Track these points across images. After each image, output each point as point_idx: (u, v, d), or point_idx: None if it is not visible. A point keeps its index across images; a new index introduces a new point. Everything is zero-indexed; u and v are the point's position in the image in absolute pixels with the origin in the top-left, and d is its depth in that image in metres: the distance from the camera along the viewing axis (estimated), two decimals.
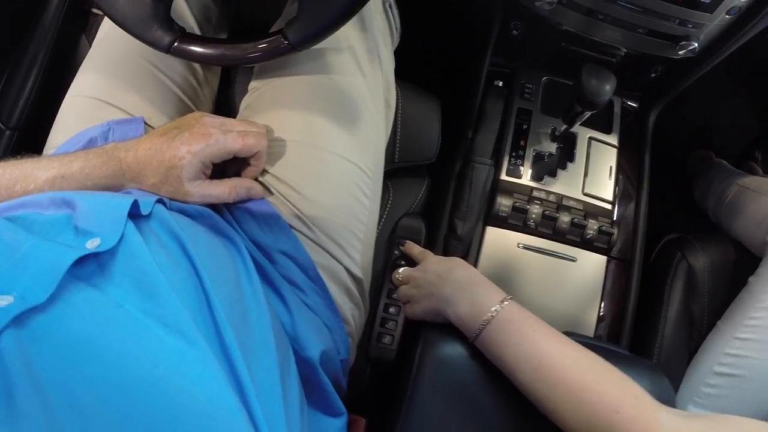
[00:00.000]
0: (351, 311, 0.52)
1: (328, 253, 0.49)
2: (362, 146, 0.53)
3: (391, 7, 0.60)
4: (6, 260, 0.27)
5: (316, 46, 0.48)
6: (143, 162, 0.42)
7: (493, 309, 0.47)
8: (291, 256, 0.47)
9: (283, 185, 0.49)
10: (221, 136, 0.44)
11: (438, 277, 0.53)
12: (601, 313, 0.72)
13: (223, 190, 0.45)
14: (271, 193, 0.49)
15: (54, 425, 0.23)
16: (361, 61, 0.54)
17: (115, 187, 0.43)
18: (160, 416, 0.25)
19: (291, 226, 0.48)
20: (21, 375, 0.23)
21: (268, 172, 0.49)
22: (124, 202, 0.34)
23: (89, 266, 0.29)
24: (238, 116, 0.56)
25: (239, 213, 0.48)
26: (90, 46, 0.58)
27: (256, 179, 0.49)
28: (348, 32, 0.53)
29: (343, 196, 0.50)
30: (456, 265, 0.53)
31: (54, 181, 0.41)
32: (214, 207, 0.46)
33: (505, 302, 0.47)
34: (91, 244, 0.30)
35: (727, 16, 0.60)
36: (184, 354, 0.28)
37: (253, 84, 0.57)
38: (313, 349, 0.45)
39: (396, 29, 0.61)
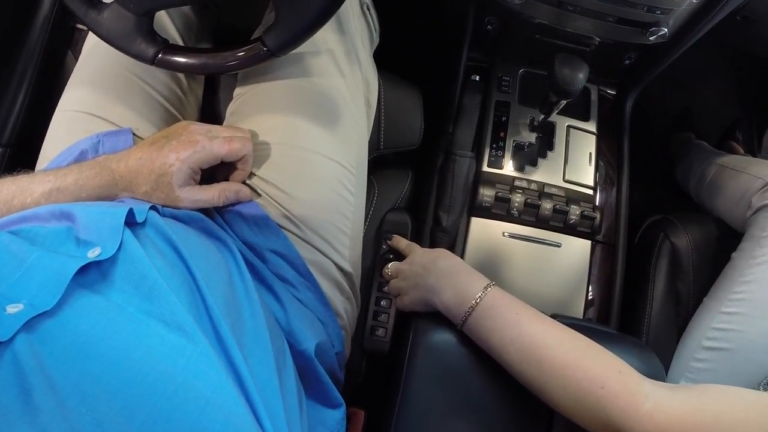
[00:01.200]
0: (343, 305, 0.53)
1: (317, 249, 0.51)
2: (344, 145, 0.54)
3: (369, 8, 0.61)
4: (14, 271, 0.29)
5: (295, 51, 0.49)
6: (134, 171, 0.44)
7: (477, 296, 0.48)
8: (281, 254, 0.49)
9: (269, 186, 0.50)
10: (208, 142, 0.45)
11: (423, 268, 0.54)
12: (589, 297, 0.74)
13: (212, 194, 0.47)
14: (259, 195, 0.51)
15: (68, 418, 0.24)
16: (341, 63, 0.55)
17: (108, 197, 0.44)
18: (165, 407, 0.27)
19: (280, 226, 0.49)
20: (36, 374, 0.25)
21: (255, 175, 0.51)
22: (119, 211, 0.35)
23: (92, 274, 0.31)
24: (225, 122, 0.58)
25: (230, 216, 0.49)
26: (76, 61, 0.59)
27: (244, 182, 0.51)
28: (326, 36, 0.55)
29: (327, 193, 0.52)
30: (440, 255, 0.55)
31: (50, 194, 0.42)
32: (205, 211, 0.48)
33: (489, 288, 0.49)
34: (92, 254, 0.31)
35: (694, 1, 0.62)
36: (184, 349, 0.29)
37: (237, 90, 0.58)
38: (308, 342, 0.46)
39: (375, 30, 0.63)
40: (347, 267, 0.53)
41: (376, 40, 0.64)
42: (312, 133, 0.52)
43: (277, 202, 0.50)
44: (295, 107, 0.53)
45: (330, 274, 0.52)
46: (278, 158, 0.51)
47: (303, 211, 0.50)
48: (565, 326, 0.47)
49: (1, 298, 0.27)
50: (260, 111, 0.54)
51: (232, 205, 0.49)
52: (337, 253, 0.52)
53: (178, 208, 0.45)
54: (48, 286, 0.28)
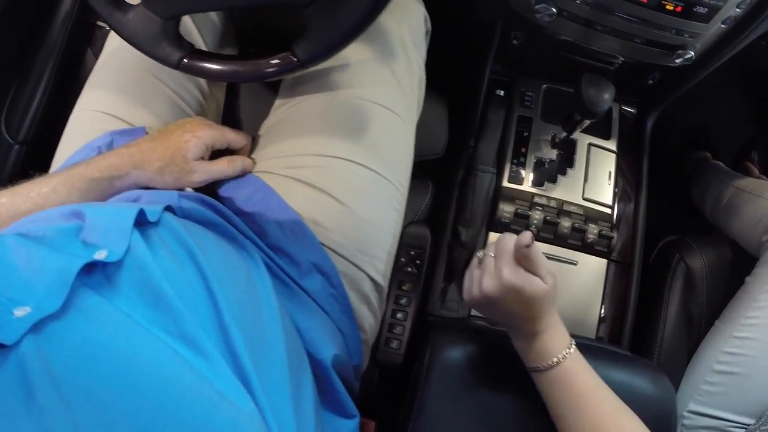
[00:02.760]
0: (368, 319, 0.54)
1: (354, 263, 0.51)
2: (395, 162, 0.55)
3: (428, 34, 0.63)
4: (22, 274, 0.29)
5: (360, 64, 0.52)
6: (147, 150, 0.46)
7: (555, 359, 0.46)
8: (315, 263, 0.49)
9: (323, 195, 0.51)
10: (220, 127, 0.51)
11: (517, 293, 0.44)
12: (602, 315, 0.74)
13: (222, 165, 0.50)
14: (313, 205, 0.51)
15: (73, 419, 0.24)
16: (403, 84, 0.56)
17: (118, 177, 0.45)
18: (171, 408, 0.27)
19: (324, 235, 0.50)
20: (41, 375, 0.25)
21: (309, 185, 0.51)
22: (130, 212, 0.35)
23: (97, 276, 0.31)
24: (267, 131, 0.58)
25: (263, 222, 0.49)
26: (95, 58, 0.59)
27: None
28: (385, 48, 0.55)
29: (377, 211, 0.53)
30: (542, 295, 0.45)
31: (55, 188, 0.43)
32: (228, 218, 0.48)
33: (569, 352, 0.46)
34: (99, 255, 0.31)
35: (722, 26, 0.62)
36: (189, 360, 0.29)
37: (279, 101, 0.58)
38: (326, 352, 0.46)
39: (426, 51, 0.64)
40: (381, 281, 0.54)
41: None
42: (361, 146, 0.52)
43: (328, 210, 0.50)
44: (346, 119, 0.53)
45: (361, 289, 0.52)
46: (330, 170, 0.51)
47: (352, 224, 0.51)
48: (640, 421, 0.46)
49: (9, 302, 0.27)
50: (306, 122, 0.54)
51: (265, 209, 0.49)
52: (373, 268, 0.53)
53: (191, 183, 0.48)
54: (53, 287, 0.28)
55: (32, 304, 0.27)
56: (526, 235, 0.43)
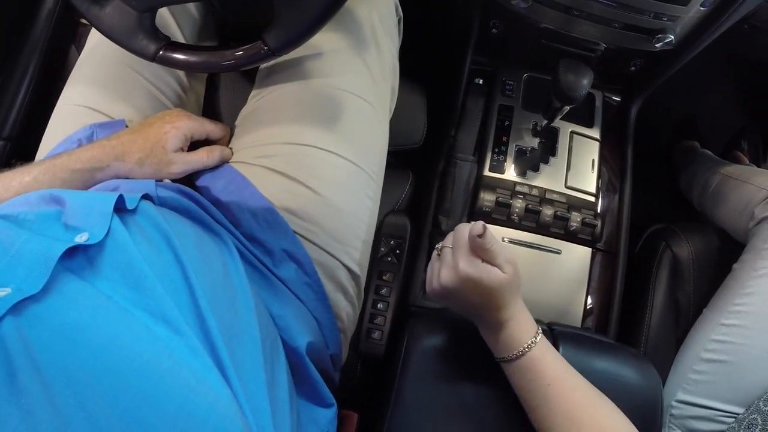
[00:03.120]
0: (345, 308, 0.53)
1: (328, 252, 0.51)
2: (369, 151, 0.55)
3: (400, 21, 0.63)
4: (3, 256, 0.29)
5: (329, 53, 0.52)
6: (128, 143, 0.47)
7: (522, 348, 0.45)
8: (288, 252, 0.49)
9: (296, 184, 0.51)
10: (199, 118, 0.51)
11: (475, 283, 0.43)
12: (588, 305, 0.74)
13: (201, 155, 0.51)
14: (280, 192, 0.50)
15: (52, 401, 0.24)
16: (374, 71, 0.56)
17: (99, 169, 0.46)
18: (150, 392, 0.27)
19: (296, 229, 0.50)
20: (21, 356, 0.25)
21: (279, 172, 0.51)
22: (109, 197, 0.35)
23: (79, 259, 0.31)
24: (241, 121, 0.58)
25: (237, 210, 0.49)
26: (79, 55, 0.59)
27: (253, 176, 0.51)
28: (362, 43, 0.55)
29: (349, 198, 0.52)
30: (504, 282, 0.44)
31: (36, 177, 0.44)
32: (204, 205, 0.48)
33: (535, 340, 0.45)
34: (80, 238, 0.31)
35: (701, 8, 0.61)
36: (169, 340, 0.29)
37: (254, 91, 0.59)
38: (300, 339, 0.46)
39: (400, 40, 0.64)
40: (356, 269, 0.53)
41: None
42: (334, 135, 0.52)
43: (299, 199, 0.50)
44: (319, 108, 0.53)
45: (337, 277, 0.52)
46: (296, 157, 0.51)
47: (325, 212, 0.51)
48: (615, 407, 0.45)
49: None
50: (279, 111, 0.54)
51: (237, 196, 0.50)
52: (348, 256, 0.52)
53: (171, 174, 0.49)
54: (35, 270, 0.28)
55: (13, 285, 0.27)
56: (478, 225, 0.42)
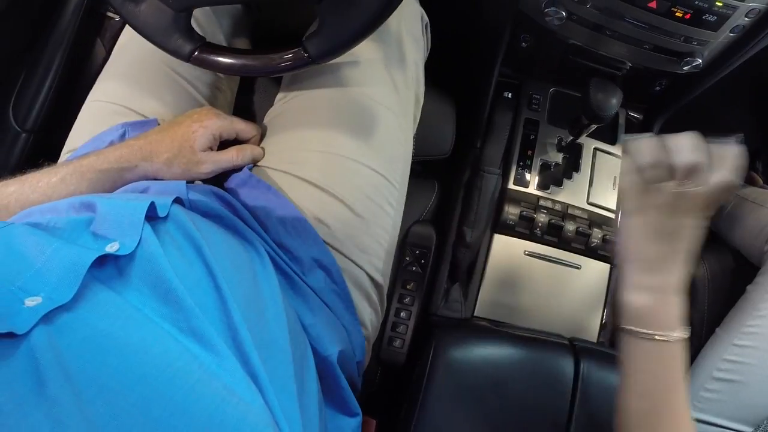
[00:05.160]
0: (369, 316, 0.54)
1: (352, 260, 0.51)
2: (392, 158, 0.55)
3: (427, 27, 0.63)
4: (33, 263, 0.29)
5: (352, 60, 0.51)
6: (156, 142, 0.47)
7: (669, 334, 0.37)
8: (317, 259, 0.49)
9: (324, 193, 0.50)
10: (228, 116, 0.51)
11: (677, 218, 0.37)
12: (604, 320, 0.74)
13: (231, 155, 0.50)
14: (305, 200, 0.50)
15: (83, 410, 0.24)
16: (396, 79, 0.56)
17: (127, 169, 0.45)
18: (181, 401, 0.27)
19: (323, 231, 0.50)
20: (52, 365, 0.25)
21: (300, 178, 0.51)
22: (141, 205, 0.35)
23: (108, 269, 0.31)
24: (267, 123, 0.58)
25: (266, 218, 0.49)
26: (105, 49, 0.59)
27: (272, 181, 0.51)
28: (385, 50, 0.55)
29: (374, 208, 0.52)
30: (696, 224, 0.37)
31: (64, 178, 0.43)
32: (237, 211, 0.48)
33: (684, 333, 0.38)
34: (111, 248, 0.31)
35: (731, 34, 0.62)
36: (199, 355, 0.29)
37: (281, 95, 0.58)
38: (332, 348, 0.46)
39: (428, 48, 0.64)
40: (379, 279, 0.53)
41: (425, 58, 0.64)
42: (360, 144, 0.52)
43: (324, 207, 0.50)
44: (346, 116, 0.53)
45: (361, 285, 0.52)
46: (324, 165, 0.51)
47: (347, 220, 0.51)
48: None
49: (21, 292, 0.27)
50: (307, 117, 0.54)
51: (267, 204, 0.49)
52: (372, 266, 0.52)
53: (200, 174, 0.48)
54: (66, 278, 0.28)
55: (43, 294, 0.27)
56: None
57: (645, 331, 0.38)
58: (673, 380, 0.38)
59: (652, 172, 0.38)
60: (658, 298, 0.38)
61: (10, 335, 0.25)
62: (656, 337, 0.38)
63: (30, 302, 0.26)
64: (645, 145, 0.39)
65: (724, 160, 0.37)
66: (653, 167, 0.38)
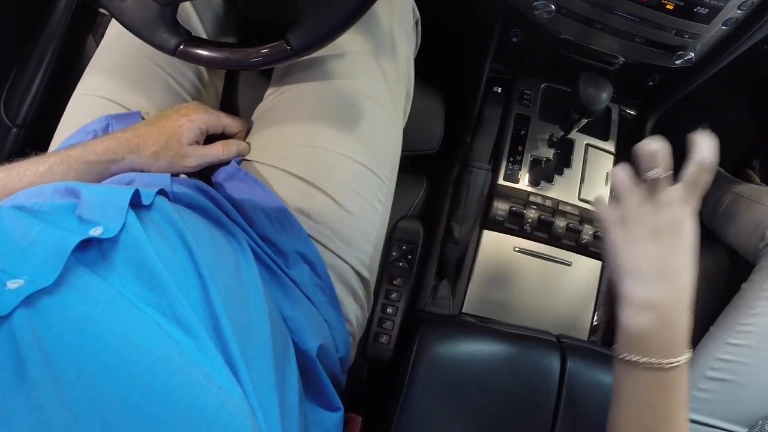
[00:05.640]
0: (354, 311, 0.53)
1: (338, 254, 0.51)
2: (381, 154, 0.55)
3: (418, 23, 0.62)
4: (16, 246, 0.29)
5: (343, 55, 0.52)
6: (143, 135, 0.47)
7: (676, 360, 0.33)
8: (301, 253, 0.49)
9: (310, 187, 0.50)
10: (215, 111, 0.52)
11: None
12: (595, 317, 0.74)
13: (216, 149, 0.51)
14: (292, 194, 0.50)
15: (62, 394, 0.24)
16: (388, 75, 0.55)
17: (114, 161, 0.46)
18: (161, 389, 0.26)
19: (309, 225, 0.50)
20: (32, 348, 0.25)
21: (288, 172, 0.51)
22: (125, 191, 0.35)
23: (92, 253, 0.31)
24: (256, 118, 0.58)
25: (251, 211, 0.49)
26: (96, 45, 0.59)
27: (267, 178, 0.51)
28: (377, 46, 0.55)
29: (362, 203, 0.52)
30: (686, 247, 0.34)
31: (51, 168, 0.43)
32: (220, 204, 0.48)
33: (686, 355, 0.35)
34: (94, 232, 0.31)
35: (723, 27, 0.61)
36: (180, 341, 0.29)
37: (271, 89, 0.58)
38: (312, 342, 0.46)
39: (418, 44, 0.63)
40: (366, 274, 0.53)
41: (414, 53, 0.64)
42: (349, 138, 0.52)
43: (306, 201, 0.50)
44: (335, 110, 0.53)
45: (347, 280, 0.52)
46: (310, 159, 0.51)
47: (335, 215, 0.50)
48: None
49: (2, 274, 0.27)
50: (296, 111, 0.54)
51: (253, 197, 0.49)
52: (357, 260, 0.52)
53: (186, 168, 0.49)
54: (48, 261, 0.28)
55: (26, 276, 0.27)
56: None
57: (647, 359, 0.33)
58: (673, 411, 0.34)
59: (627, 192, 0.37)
60: (662, 316, 0.34)
61: None
62: (658, 365, 0.33)
63: (12, 284, 0.26)
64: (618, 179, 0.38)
65: (693, 149, 0.36)
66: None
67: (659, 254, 0.35)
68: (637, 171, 0.37)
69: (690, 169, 0.36)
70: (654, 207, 0.36)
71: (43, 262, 0.28)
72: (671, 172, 0.36)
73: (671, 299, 0.34)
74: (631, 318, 0.34)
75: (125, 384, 0.26)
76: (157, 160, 0.47)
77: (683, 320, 0.34)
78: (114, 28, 0.59)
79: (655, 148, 0.36)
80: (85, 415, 0.24)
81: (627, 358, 0.34)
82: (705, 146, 0.36)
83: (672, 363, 0.33)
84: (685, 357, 0.34)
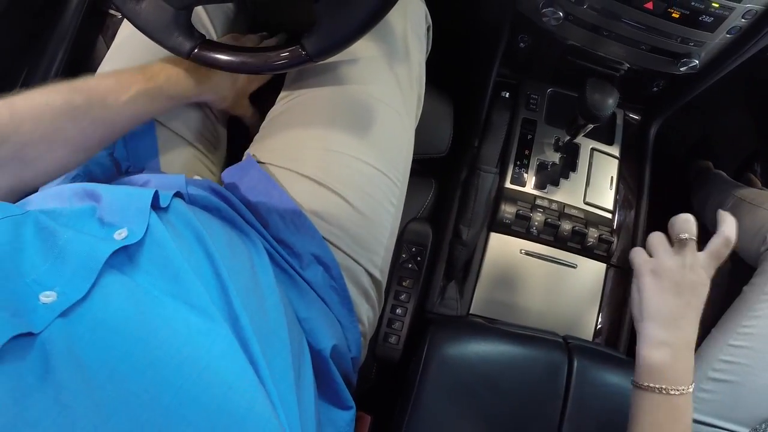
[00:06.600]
0: (366, 312, 0.54)
1: (351, 256, 0.51)
2: (394, 157, 0.55)
3: (429, 29, 0.63)
4: (46, 256, 0.29)
5: (357, 59, 0.52)
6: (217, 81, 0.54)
7: (683, 388, 0.41)
8: (315, 255, 0.49)
9: (324, 189, 0.51)
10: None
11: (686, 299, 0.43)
12: (600, 319, 0.75)
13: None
14: (307, 197, 0.51)
15: (93, 395, 0.24)
16: (401, 80, 0.56)
17: (194, 96, 0.52)
18: (191, 390, 0.27)
19: (323, 228, 0.50)
20: (62, 354, 0.25)
21: (304, 176, 0.51)
22: (146, 193, 0.36)
23: (120, 256, 0.31)
24: (269, 122, 0.59)
25: (266, 213, 0.50)
26: (106, 46, 0.59)
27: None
28: (390, 51, 0.56)
29: (375, 206, 0.53)
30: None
31: (137, 98, 0.46)
32: (235, 206, 0.48)
33: (692, 387, 0.42)
34: (119, 235, 0.32)
35: (728, 35, 0.63)
36: (209, 332, 0.30)
37: (284, 93, 0.59)
38: (325, 342, 0.46)
39: (428, 50, 0.64)
40: (378, 276, 0.54)
41: (426, 59, 0.65)
42: (363, 141, 0.53)
43: (320, 203, 0.51)
44: (348, 114, 0.53)
45: (360, 282, 0.52)
46: (324, 162, 0.51)
47: (349, 218, 0.51)
48: None
49: (35, 285, 0.27)
50: (309, 115, 0.54)
51: (267, 200, 0.50)
52: (370, 262, 0.53)
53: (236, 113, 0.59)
54: (81, 272, 0.28)
55: (58, 288, 0.27)
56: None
57: (662, 386, 0.41)
58: (681, 430, 0.41)
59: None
60: (675, 353, 0.42)
61: (29, 334, 0.25)
62: (671, 391, 0.41)
63: (45, 298, 0.26)
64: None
65: (719, 226, 0.44)
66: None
67: (679, 306, 0.43)
68: (668, 235, 0.46)
69: (715, 242, 0.45)
70: (681, 267, 0.44)
71: (74, 273, 0.28)
72: (696, 238, 0.45)
73: (682, 342, 0.42)
74: (652, 353, 0.42)
75: (157, 384, 0.26)
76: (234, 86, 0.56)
77: (690, 359, 0.42)
78: (125, 30, 0.59)
79: (688, 218, 0.46)
80: (116, 415, 0.24)
81: (645, 386, 0.42)
82: (730, 224, 0.45)
83: (680, 390, 0.41)
84: (691, 387, 0.41)
